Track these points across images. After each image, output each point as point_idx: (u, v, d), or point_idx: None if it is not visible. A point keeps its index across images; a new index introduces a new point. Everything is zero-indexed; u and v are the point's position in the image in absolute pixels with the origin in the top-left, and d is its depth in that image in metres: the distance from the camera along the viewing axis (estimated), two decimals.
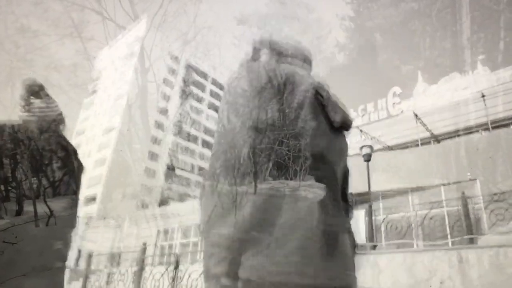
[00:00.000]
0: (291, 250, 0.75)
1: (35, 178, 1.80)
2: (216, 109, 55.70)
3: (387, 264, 5.75)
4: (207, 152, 51.80)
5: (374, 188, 10.18)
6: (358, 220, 8.09)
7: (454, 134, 13.16)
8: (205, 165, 49.43)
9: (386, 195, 9.90)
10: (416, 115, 12.42)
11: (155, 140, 44.83)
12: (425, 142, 13.49)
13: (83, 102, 54.64)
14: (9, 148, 1.74)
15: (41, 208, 1.80)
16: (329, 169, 0.93)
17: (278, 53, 1.21)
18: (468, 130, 12.89)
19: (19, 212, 1.73)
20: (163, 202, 28.61)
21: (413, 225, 8.18)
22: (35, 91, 1.90)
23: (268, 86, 0.95)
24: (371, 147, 9.27)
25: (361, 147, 9.34)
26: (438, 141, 13.52)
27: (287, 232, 0.76)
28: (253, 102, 0.90)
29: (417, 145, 12.86)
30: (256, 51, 1.24)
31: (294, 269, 0.74)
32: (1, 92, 35.34)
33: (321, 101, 1.07)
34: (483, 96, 11.43)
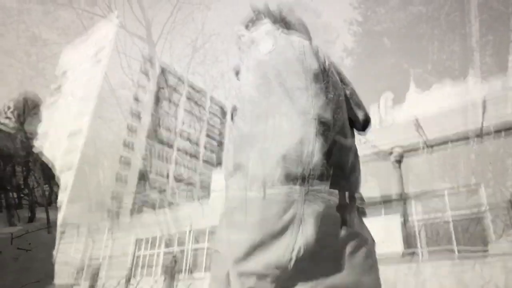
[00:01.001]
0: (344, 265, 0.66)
1: (47, 186, 1.79)
2: (195, 114, 54.87)
3: (432, 272, 5.64)
4: (183, 157, 50.66)
5: (374, 194, 10.19)
6: (390, 226, 7.97)
7: (447, 140, 13.64)
8: (182, 171, 48.64)
9: (388, 200, 9.97)
10: (417, 120, 12.71)
11: (127, 144, 43.11)
12: (418, 148, 13.92)
13: (46, 102, 51.73)
14: (21, 155, 1.73)
15: (53, 215, 1.80)
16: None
17: (287, 24, 1.02)
18: (463, 136, 13.43)
19: (31, 219, 1.71)
20: (137, 210, 27.42)
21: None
22: (34, 107, 1.94)
23: (318, 71, 0.78)
24: (402, 147, 9.28)
25: (392, 148, 9.37)
26: (431, 147, 13.98)
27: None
28: (311, 89, 0.73)
29: (415, 150, 13.23)
30: (255, 19, 1.04)
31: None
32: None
33: (346, 93, 0.91)
34: (484, 101, 11.90)
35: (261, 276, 0.61)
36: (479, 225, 7.87)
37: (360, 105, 0.94)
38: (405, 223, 7.88)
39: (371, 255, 0.74)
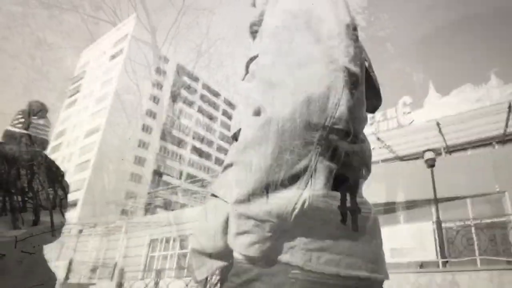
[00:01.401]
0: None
1: (51, 189, 1.81)
2: (209, 115, 55.30)
3: (469, 283, 5.44)
4: (195, 158, 51.12)
5: (390, 199, 9.97)
6: (422, 232, 7.72)
7: (466, 146, 13.22)
8: (193, 171, 48.98)
9: (408, 206, 9.72)
10: (438, 124, 12.39)
11: (142, 144, 43.84)
12: (437, 153, 13.63)
13: (64, 102, 53.24)
14: (26, 159, 1.77)
15: (57, 219, 1.83)
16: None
17: None
18: (482, 142, 13.02)
19: (35, 222, 1.72)
20: (151, 210, 27.78)
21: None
22: (39, 112, 1.99)
23: (349, 22, 0.70)
24: (434, 151, 9.09)
25: (424, 151, 9.22)
26: (450, 153, 13.59)
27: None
28: (342, 37, 0.66)
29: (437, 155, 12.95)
30: None
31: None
32: (18, 103, 35.81)
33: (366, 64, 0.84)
34: (509, 107, 11.48)
35: (259, 222, 0.60)
36: (503, 234, 7.55)
37: (376, 81, 0.87)
38: (438, 230, 7.58)
39: (375, 225, 0.73)
